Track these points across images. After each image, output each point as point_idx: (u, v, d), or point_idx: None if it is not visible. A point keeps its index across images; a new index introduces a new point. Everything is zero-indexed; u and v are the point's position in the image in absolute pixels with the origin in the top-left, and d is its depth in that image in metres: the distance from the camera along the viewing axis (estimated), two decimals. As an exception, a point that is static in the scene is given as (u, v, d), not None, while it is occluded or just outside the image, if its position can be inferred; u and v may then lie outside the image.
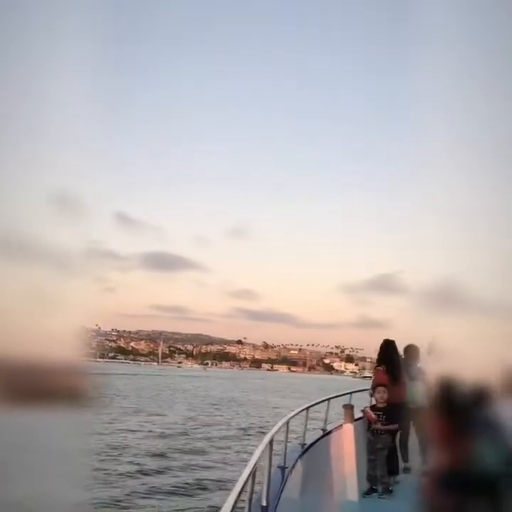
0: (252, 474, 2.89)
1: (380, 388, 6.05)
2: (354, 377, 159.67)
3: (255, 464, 2.97)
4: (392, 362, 6.32)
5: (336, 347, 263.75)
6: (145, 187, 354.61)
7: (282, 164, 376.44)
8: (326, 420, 6.53)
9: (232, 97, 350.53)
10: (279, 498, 3.95)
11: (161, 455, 15.27)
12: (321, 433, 6.21)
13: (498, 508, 2.19)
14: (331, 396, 6.83)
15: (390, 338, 6.51)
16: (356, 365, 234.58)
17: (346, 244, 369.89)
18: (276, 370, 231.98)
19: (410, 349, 6.78)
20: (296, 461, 5.11)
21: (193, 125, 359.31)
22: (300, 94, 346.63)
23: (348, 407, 6.27)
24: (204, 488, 11.85)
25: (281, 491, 4.16)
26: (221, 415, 27.75)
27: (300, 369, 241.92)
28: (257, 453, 3.29)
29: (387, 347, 6.41)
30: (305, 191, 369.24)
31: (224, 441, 18.47)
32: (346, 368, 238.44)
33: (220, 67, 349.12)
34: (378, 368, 6.39)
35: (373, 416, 5.93)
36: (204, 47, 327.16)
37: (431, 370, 7.12)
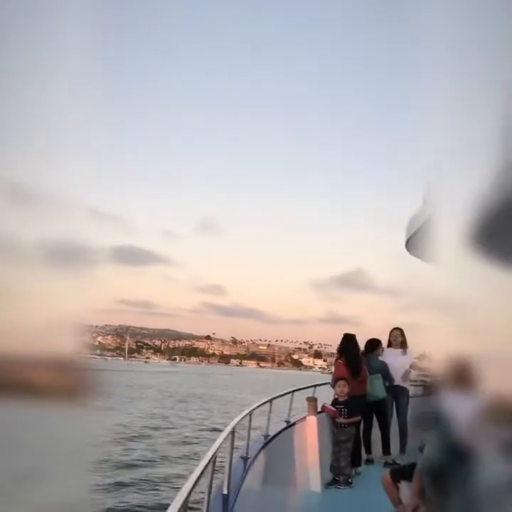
0: (212, 462, 2.91)
1: (340, 382, 6.15)
2: (322, 372, 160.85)
3: (215, 452, 2.99)
4: (352, 355, 6.42)
5: (305, 343, 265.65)
6: (113, 179, 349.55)
7: (251, 160, 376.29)
8: (289, 412, 6.59)
9: (225, 93, 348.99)
10: (240, 487, 3.98)
11: (121, 456, 14.69)
12: (284, 425, 6.27)
13: (445, 496, 2.29)
14: (294, 388, 6.90)
15: (351, 333, 6.63)
16: (325, 360, 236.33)
17: (316, 240, 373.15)
18: (245, 365, 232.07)
19: (372, 343, 6.93)
20: (259, 451, 5.14)
21: (182, 120, 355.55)
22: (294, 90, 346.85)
23: (312, 400, 6.36)
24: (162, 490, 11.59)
25: (243, 480, 4.19)
26: (186, 412, 27.47)
27: (269, 365, 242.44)
28: (218, 441, 3.30)
29: (348, 341, 6.51)
30: (275, 188, 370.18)
31: (190, 440, 18.24)
32: (315, 364, 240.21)
33: (217, 64, 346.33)
34: (339, 361, 6.50)
35: (334, 410, 6.04)
36: (202, 45, 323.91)
37: (391, 363, 7.28)
